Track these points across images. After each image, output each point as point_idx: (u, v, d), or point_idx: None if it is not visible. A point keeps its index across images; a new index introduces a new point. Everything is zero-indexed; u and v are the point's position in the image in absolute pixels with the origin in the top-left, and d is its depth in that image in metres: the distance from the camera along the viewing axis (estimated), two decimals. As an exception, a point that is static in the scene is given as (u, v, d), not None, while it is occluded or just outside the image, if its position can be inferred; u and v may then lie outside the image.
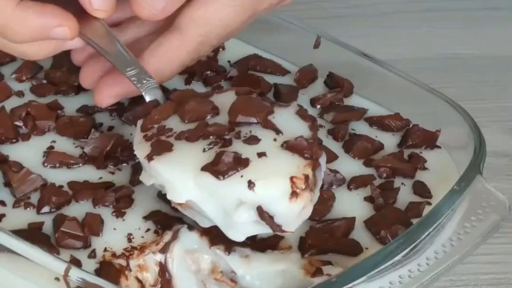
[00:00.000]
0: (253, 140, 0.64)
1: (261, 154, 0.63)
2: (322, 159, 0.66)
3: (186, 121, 0.67)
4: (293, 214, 0.63)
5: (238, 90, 0.69)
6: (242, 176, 0.62)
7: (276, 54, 0.89)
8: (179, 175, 0.64)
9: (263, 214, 0.63)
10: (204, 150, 0.64)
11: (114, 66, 0.73)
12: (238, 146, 0.64)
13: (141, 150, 0.66)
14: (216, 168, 0.63)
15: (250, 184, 0.62)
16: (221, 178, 0.63)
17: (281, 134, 0.65)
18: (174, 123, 0.68)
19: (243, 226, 0.64)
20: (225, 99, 0.68)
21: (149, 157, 0.65)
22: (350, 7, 1.16)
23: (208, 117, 0.67)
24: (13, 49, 0.71)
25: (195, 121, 0.67)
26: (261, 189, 0.62)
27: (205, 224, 0.66)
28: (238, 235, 0.65)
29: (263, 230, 0.64)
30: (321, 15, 1.13)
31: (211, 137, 0.65)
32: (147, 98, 0.72)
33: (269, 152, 0.64)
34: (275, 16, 0.89)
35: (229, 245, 0.67)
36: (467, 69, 1.06)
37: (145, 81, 0.71)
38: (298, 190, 0.62)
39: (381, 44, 1.07)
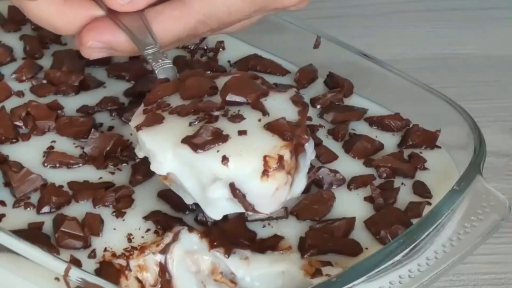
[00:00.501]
0: (237, 118, 0.64)
1: (241, 132, 0.63)
2: (309, 146, 0.66)
3: (184, 98, 0.67)
4: (266, 195, 0.63)
5: (243, 74, 0.70)
6: (218, 151, 0.63)
7: (276, 54, 0.89)
8: (160, 146, 0.65)
9: (235, 191, 0.63)
10: (189, 124, 0.65)
11: (105, 16, 0.72)
12: (223, 123, 0.65)
13: (135, 121, 0.67)
14: (194, 141, 0.63)
15: (224, 159, 0.62)
16: (198, 151, 0.63)
17: (267, 116, 0.65)
18: (174, 100, 0.68)
19: (219, 203, 0.64)
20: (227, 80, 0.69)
21: (138, 128, 0.66)
22: (350, 7, 1.16)
23: (205, 96, 0.67)
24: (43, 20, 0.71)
25: (192, 98, 0.67)
26: (234, 165, 0.62)
27: (189, 201, 0.67)
28: (215, 213, 0.65)
29: (238, 209, 0.65)
30: (321, 15, 1.13)
31: (200, 113, 0.66)
32: (158, 76, 0.72)
33: (250, 131, 0.64)
34: (275, 16, 0.89)
35: (229, 248, 0.67)
36: (467, 69, 1.06)
37: (160, 60, 0.71)
38: (270, 170, 0.62)
39: (381, 44, 1.07)
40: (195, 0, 0.71)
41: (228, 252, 0.67)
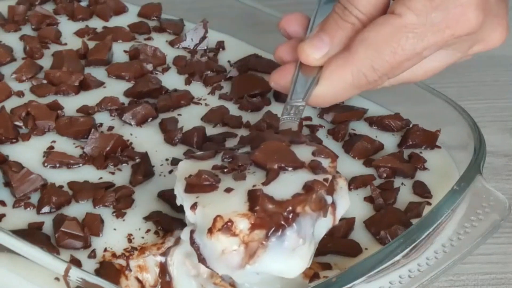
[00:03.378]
0: (241, 178, 0.64)
1: (228, 190, 0.63)
2: (281, 235, 0.62)
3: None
4: (213, 253, 0.62)
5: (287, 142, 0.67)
6: (197, 197, 0.63)
7: (276, 54, 0.89)
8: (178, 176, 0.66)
9: (192, 239, 0.63)
10: (212, 167, 0.65)
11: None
12: (229, 177, 0.64)
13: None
14: (188, 180, 0.64)
15: (194, 206, 0.63)
16: (186, 190, 0.64)
17: (263, 186, 0.63)
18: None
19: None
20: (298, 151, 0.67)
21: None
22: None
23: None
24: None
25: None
26: (198, 214, 0.62)
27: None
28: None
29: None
30: (321, 15, 1.13)
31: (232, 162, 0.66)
32: (280, 126, 0.71)
33: (236, 191, 0.63)
34: (275, 16, 0.89)
35: None
36: (467, 69, 1.06)
37: (288, 115, 0.71)
38: (214, 229, 0.61)
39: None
40: (358, 45, 0.68)
41: None
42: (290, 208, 0.61)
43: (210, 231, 0.61)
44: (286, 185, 0.63)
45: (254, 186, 0.63)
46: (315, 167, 0.64)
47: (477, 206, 0.70)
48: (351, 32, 0.69)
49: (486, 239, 0.69)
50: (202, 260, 0.63)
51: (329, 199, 0.63)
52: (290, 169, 0.64)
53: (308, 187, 0.62)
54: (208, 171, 0.64)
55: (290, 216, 0.61)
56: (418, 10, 0.66)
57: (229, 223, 0.61)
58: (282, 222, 0.61)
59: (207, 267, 0.63)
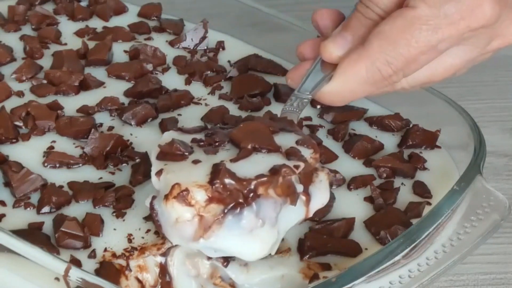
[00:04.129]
0: (212, 152, 0.64)
1: (195, 161, 0.63)
2: (231, 213, 0.62)
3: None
4: (167, 220, 0.63)
5: (266, 124, 0.67)
6: (165, 164, 0.64)
7: (276, 54, 0.89)
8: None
9: (151, 203, 0.63)
10: (191, 140, 0.66)
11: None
12: (205, 150, 0.65)
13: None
14: (162, 148, 0.65)
15: (159, 172, 0.63)
16: (158, 157, 0.65)
17: (231, 162, 0.63)
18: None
19: None
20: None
21: None
22: (350, 7, 1.16)
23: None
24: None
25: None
26: (162, 179, 0.63)
27: None
28: None
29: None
30: (321, 15, 1.13)
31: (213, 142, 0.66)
32: (280, 114, 0.71)
33: (203, 164, 0.63)
34: (275, 16, 0.89)
35: (227, 257, 0.67)
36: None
37: (295, 105, 0.71)
38: (170, 196, 0.61)
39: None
40: (373, 38, 0.67)
41: (226, 262, 0.66)
42: (252, 187, 0.61)
43: (166, 197, 0.61)
44: (254, 166, 0.63)
45: (222, 161, 0.63)
46: (290, 154, 0.64)
47: (477, 206, 0.70)
48: (373, 29, 0.69)
49: (486, 239, 0.69)
50: (158, 226, 0.63)
51: (299, 187, 0.63)
52: (264, 151, 0.64)
53: (275, 170, 0.62)
54: (182, 141, 0.65)
55: (250, 196, 0.61)
56: (431, 2, 0.66)
57: (185, 192, 0.61)
58: (241, 200, 0.62)
59: (163, 235, 0.63)
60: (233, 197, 0.62)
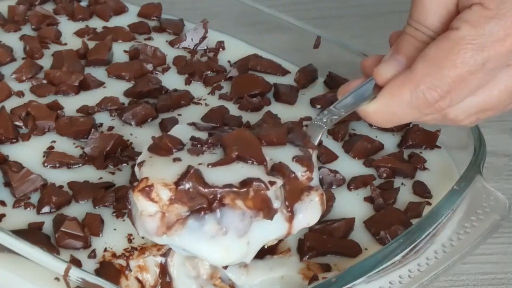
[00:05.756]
0: (195, 153, 0.64)
1: (176, 160, 0.63)
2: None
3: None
4: (135, 211, 0.63)
5: (254, 138, 0.66)
6: (150, 157, 0.64)
7: (276, 54, 0.89)
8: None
9: (127, 195, 0.64)
10: (191, 138, 0.66)
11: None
12: (189, 150, 0.65)
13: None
14: (154, 140, 0.65)
15: (141, 162, 0.63)
16: (148, 149, 0.65)
17: (210, 167, 0.63)
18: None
19: None
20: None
21: None
22: (350, 7, 1.17)
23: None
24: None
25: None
26: (141, 171, 0.63)
27: None
28: None
29: None
30: (321, 15, 1.13)
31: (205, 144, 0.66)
32: (308, 127, 0.70)
33: (183, 163, 0.63)
34: (275, 16, 0.89)
35: None
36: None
37: (324, 120, 0.69)
38: (136, 188, 0.62)
39: (381, 44, 1.07)
40: (419, 61, 0.65)
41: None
42: (218, 195, 0.61)
43: (133, 189, 0.62)
44: (230, 174, 0.62)
45: (199, 164, 0.63)
46: (275, 169, 0.63)
47: (477, 206, 0.70)
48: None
49: (486, 239, 0.69)
50: (129, 215, 0.64)
51: (276, 203, 0.63)
52: (249, 162, 0.64)
53: (244, 183, 0.62)
54: (173, 136, 0.65)
55: (215, 203, 0.61)
56: (474, 22, 0.64)
57: (150, 187, 0.61)
58: (205, 206, 0.61)
59: (133, 224, 0.63)
60: (197, 201, 0.62)
